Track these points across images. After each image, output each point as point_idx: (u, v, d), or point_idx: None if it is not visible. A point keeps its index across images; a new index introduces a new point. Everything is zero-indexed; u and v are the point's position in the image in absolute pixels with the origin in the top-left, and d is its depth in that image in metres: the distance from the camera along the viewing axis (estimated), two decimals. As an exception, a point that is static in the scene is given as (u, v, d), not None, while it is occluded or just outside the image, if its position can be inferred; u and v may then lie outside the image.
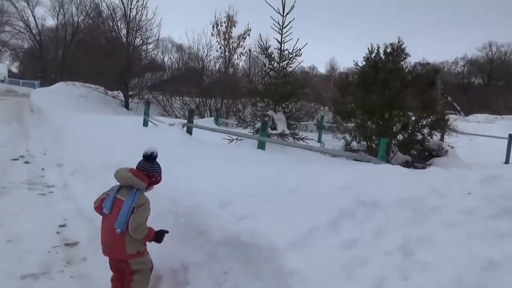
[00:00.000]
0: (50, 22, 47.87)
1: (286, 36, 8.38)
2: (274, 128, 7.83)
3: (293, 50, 8.33)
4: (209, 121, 12.15)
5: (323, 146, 8.99)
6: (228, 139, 8.06)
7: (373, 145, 8.74)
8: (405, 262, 2.38)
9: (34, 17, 44.84)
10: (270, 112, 8.10)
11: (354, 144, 9.50)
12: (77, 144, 7.85)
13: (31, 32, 44.64)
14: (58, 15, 43.48)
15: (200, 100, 19.20)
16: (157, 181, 3.00)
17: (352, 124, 9.59)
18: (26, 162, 7.56)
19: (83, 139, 7.96)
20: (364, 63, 9.38)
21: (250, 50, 22.77)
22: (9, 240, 3.92)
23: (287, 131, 7.95)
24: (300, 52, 8.30)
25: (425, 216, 2.69)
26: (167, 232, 2.94)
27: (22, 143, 9.73)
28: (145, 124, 9.77)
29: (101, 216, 2.89)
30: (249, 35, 22.00)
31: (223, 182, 3.81)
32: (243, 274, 2.77)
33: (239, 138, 7.95)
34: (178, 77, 22.23)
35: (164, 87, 20.70)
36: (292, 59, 8.37)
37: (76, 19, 41.45)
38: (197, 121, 10.33)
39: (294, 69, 8.68)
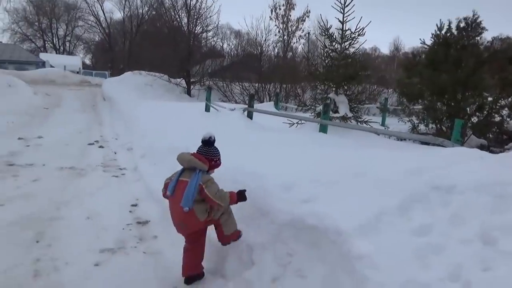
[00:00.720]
0: (118, 15, 50.88)
1: (348, 15, 8.04)
2: (336, 111, 7.62)
3: (355, 30, 7.98)
4: (269, 106, 12.15)
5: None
6: (289, 123, 8.00)
7: (444, 128, 8.20)
8: (485, 251, 2.20)
9: (103, 11, 47.79)
10: (331, 95, 7.89)
11: (422, 127, 8.99)
12: (144, 129, 8.28)
13: (101, 26, 47.66)
14: (124, 8, 45.89)
15: (259, 85, 19.27)
16: (217, 164, 3.09)
17: (420, 106, 9.06)
18: (101, 147, 8.13)
19: (150, 125, 8.38)
20: (432, 40, 8.76)
21: (309, 33, 22.32)
22: (89, 217, 4.25)
23: (349, 114, 7.70)
24: (363, 31, 7.92)
25: (508, 203, 2.46)
26: (245, 190, 3.09)
27: (96, 129, 10.48)
28: (207, 109, 10.03)
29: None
30: (308, 17, 21.58)
31: (286, 165, 3.79)
32: (308, 257, 2.75)
33: (299, 121, 7.86)
34: (237, 63, 22.43)
35: (224, 74, 21.04)
36: (354, 39, 8.03)
37: (140, 11, 43.44)
38: (256, 105, 10.38)
39: (356, 49, 8.32)
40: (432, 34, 8.70)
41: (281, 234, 2.99)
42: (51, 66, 33.24)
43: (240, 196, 3.04)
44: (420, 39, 8.77)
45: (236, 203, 3.05)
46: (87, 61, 52.06)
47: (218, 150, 3.10)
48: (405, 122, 9.41)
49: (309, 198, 3.06)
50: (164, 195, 3.05)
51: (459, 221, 2.46)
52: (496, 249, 2.19)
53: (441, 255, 2.26)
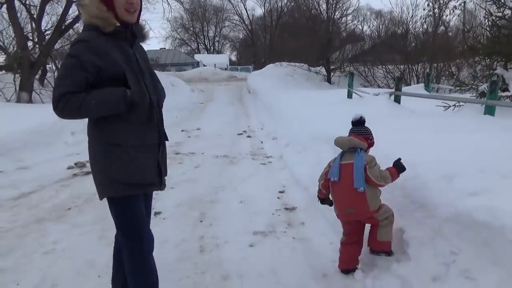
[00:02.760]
0: (259, 11, 53.68)
1: (522, -28, 6.69)
2: (506, 89, 6.46)
3: (532, -11, 6.58)
4: (418, 88, 11.11)
5: None
6: (444, 106, 7.14)
7: None
8: None
9: (246, 10, 51.14)
10: (499, 70, 6.71)
11: None
12: (288, 119, 8.53)
13: (244, 23, 51.11)
14: (264, 3, 48.06)
15: (404, 67, 17.81)
16: (372, 143, 3.00)
17: None
18: (248, 136, 8.71)
19: (293, 114, 8.58)
20: None
21: (465, 2, 19.50)
22: (241, 201, 4.58)
23: (524, 92, 6.44)
24: (544, -11, 6.48)
25: None
26: (400, 159, 2.92)
27: (244, 120, 11.29)
28: (350, 96, 9.74)
29: (328, 186, 2.98)
30: (464, -17, 18.82)
31: (446, 153, 3.38)
32: (477, 258, 2.39)
33: (457, 104, 6.93)
34: (380, 44, 21.15)
35: (365, 58, 20.13)
36: (531, 0, 6.64)
37: (279, 4, 44.83)
38: (404, 88, 9.59)
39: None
40: None
41: (442, 230, 2.67)
42: (204, 65, 37.26)
43: (399, 168, 2.86)
44: None
45: (398, 177, 2.87)
46: (233, 58, 56.59)
47: (369, 129, 3.01)
48: None
49: (477, 190, 2.65)
50: (324, 186, 3.02)
51: None
52: None
53: None
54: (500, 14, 7.05)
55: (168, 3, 17.48)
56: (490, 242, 2.34)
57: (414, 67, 17.73)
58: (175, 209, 4.33)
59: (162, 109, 2.27)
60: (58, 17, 14.52)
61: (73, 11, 15.35)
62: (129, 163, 2.01)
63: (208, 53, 52.61)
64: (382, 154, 3.40)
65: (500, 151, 3.25)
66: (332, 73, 20.18)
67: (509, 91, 6.44)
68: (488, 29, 7.60)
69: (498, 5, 6.99)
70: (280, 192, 4.95)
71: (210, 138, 8.38)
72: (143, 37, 2.18)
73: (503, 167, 2.87)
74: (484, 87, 6.30)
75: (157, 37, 68.33)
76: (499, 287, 2.19)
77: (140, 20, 2.13)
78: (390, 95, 7.61)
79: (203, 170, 5.91)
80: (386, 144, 3.81)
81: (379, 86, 17.09)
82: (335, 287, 2.84)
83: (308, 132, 6.49)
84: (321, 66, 20.58)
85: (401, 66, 17.96)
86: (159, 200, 4.60)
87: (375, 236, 2.87)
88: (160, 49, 47.63)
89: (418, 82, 16.17)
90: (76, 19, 15.62)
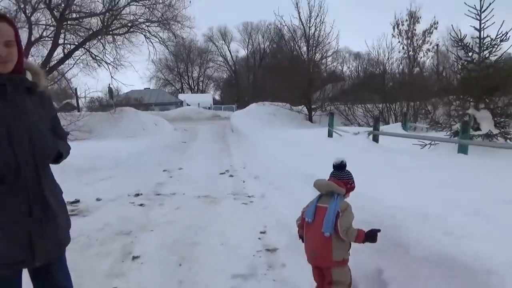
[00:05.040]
0: (242, 53, 55.27)
1: (486, 21, 7.15)
2: (477, 129, 6.72)
3: (496, 36, 7.03)
4: (396, 127, 11.44)
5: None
6: (420, 145, 7.35)
7: None
8: None
9: (230, 51, 52.54)
10: (470, 111, 7.02)
11: None
12: (270, 158, 8.60)
13: (228, 64, 52.43)
14: (247, 45, 49.76)
15: (383, 106, 18.40)
16: (352, 187, 3.00)
17: None
18: (231, 176, 8.69)
19: (275, 153, 8.67)
20: None
21: (437, 45, 20.58)
22: (222, 243, 4.51)
23: (494, 131, 6.70)
24: (507, 36, 6.93)
25: None
26: (379, 230, 2.80)
27: (226, 159, 11.30)
28: (330, 135, 9.94)
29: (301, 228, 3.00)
30: (436, 28, 19.92)
31: (421, 191, 3.45)
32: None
33: (432, 142, 7.16)
34: (359, 84, 21.90)
35: (345, 97, 20.74)
36: (496, 46, 7.07)
37: (262, 46, 46.42)
38: (382, 127, 9.86)
39: (499, 57, 7.27)
40: None
41: (419, 270, 2.69)
42: (188, 105, 37.64)
43: (369, 237, 2.75)
44: None
45: (363, 242, 2.78)
46: (217, 97, 57.43)
47: (351, 173, 3.03)
48: None
49: (454, 230, 2.71)
50: (300, 225, 3.03)
51: None
52: None
53: None
54: (468, 58, 7.47)
55: (154, 46, 17.74)
56: (468, 284, 2.35)
57: (392, 106, 18.33)
58: (154, 253, 4.22)
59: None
60: (43, 59, 14.67)
61: (58, 53, 15.55)
62: None
63: (192, 93, 53.37)
64: (357, 192, 3.46)
65: (474, 188, 3.34)
66: (313, 112, 20.64)
67: (481, 130, 6.70)
68: (458, 71, 8.01)
69: (465, 50, 7.42)
70: (261, 232, 4.90)
71: (192, 178, 8.34)
72: (34, 85, 1.89)
73: (476, 205, 2.94)
74: (457, 126, 6.55)
75: (141, 77, 69.34)
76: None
77: (32, 67, 1.95)
78: (369, 134, 7.82)
79: (184, 211, 5.83)
80: (361, 182, 3.88)
81: (359, 125, 17.53)
82: (316, 331, 2.77)
83: (289, 171, 6.55)
84: (302, 106, 21.07)
85: (380, 105, 18.55)
86: (138, 243, 4.50)
87: None
88: (145, 89, 48.09)
89: (396, 121, 16.67)
90: (61, 61, 15.80)
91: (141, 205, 6.20)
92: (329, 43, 22.17)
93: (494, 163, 4.90)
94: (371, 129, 8.19)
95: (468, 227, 2.65)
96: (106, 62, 16.48)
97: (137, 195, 6.83)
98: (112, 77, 16.66)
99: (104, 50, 16.36)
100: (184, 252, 4.23)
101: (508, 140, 6.73)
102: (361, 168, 4.63)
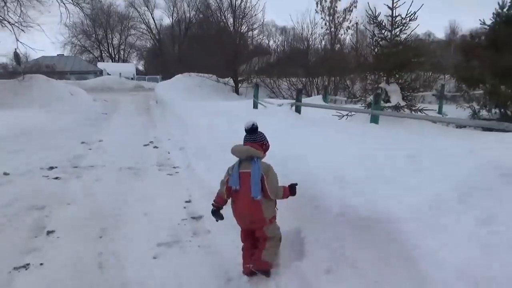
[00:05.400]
0: (167, 21, 52.77)
1: (398, 0, 7.68)
2: (388, 101, 7.33)
3: (406, 15, 7.59)
4: (317, 99, 11.98)
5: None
6: (338, 116, 7.82)
7: (509, 113, 7.59)
8: None
9: (153, 19, 49.81)
10: (382, 85, 7.59)
11: (484, 113, 8.39)
12: (195, 129, 8.51)
13: (151, 33, 49.74)
14: (172, 14, 47.53)
15: (306, 80, 19.06)
16: (267, 147, 3.16)
17: (480, 91, 8.46)
18: (155, 147, 8.47)
19: (200, 124, 8.59)
20: (493, 20, 8.15)
21: (357, 23, 21.65)
22: (146, 213, 4.44)
23: (402, 103, 7.36)
24: (415, 16, 7.51)
25: None
26: (296, 184, 3.08)
27: (150, 130, 10.95)
28: (255, 106, 10.09)
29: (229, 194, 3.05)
30: (355, 7, 20.92)
31: (336, 157, 3.71)
32: (362, 249, 2.67)
33: (349, 113, 7.66)
34: (284, 59, 22.33)
35: (270, 70, 21.06)
36: (405, 25, 7.64)
37: (188, 15, 44.72)
38: (305, 100, 10.27)
39: (408, 36, 7.90)
40: (493, 13, 8.10)
41: (333, 226, 2.93)
42: (108, 74, 35.33)
43: (292, 190, 3.06)
44: (480, 20, 8.17)
45: (287, 197, 3.05)
46: (140, 67, 54.59)
47: (263, 134, 3.17)
48: (464, 109, 8.83)
49: (361, 189, 2.98)
50: (227, 191, 3.02)
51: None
52: None
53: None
54: (382, 35, 8.00)
55: (66, 7, 15.95)
56: (371, 234, 2.64)
57: (314, 80, 19.07)
58: (71, 227, 4.02)
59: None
60: None
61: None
62: None
63: (112, 62, 49.98)
64: (279, 160, 3.63)
65: (379, 153, 3.66)
66: (240, 84, 20.68)
67: (391, 102, 7.31)
68: (373, 48, 8.55)
69: (379, 28, 7.92)
70: (186, 201, 4.91)
71: (113, 150, 7.96)
72: None
73: (381, 167, 3.24)
74: (370, 98, 7.06)
75: (53, 42, 62.93)
76: (379, 273, 2.47)
77: None
78: (292, 105, 8.09)
79: (104, 184, 5.59)
80: (283, 150, 4.06)
81: (284, 97, 18.00)
82: (240, 290, 2.91)
83: (214, 142, 6.57)
84: (229, 78, 20.98)
85: (303, 79, 19.18)
86: (53, 217, 4.25)
87: (259, 256, 2.96)
88: (58, 55, 43.87)
89: (318, 94, 17.42)
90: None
91: (56, 178, 5.81)
92: (255, 15, 22.13)
93: (399, 131, 5.40)
94: (294, 101, 8.48)
95: (378, 188, 2.91)
96: (9, 22, 14.57)
97: (52, 168, 6.36)
98: (17, 39, 14.85)
99: (5, 8, 14.38)
100: (104, 224, 4.09)
101: (413, 111, 7.45)
102: (283, 136, 4.82)
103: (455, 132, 6.58)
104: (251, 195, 2.82)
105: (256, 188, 2.82)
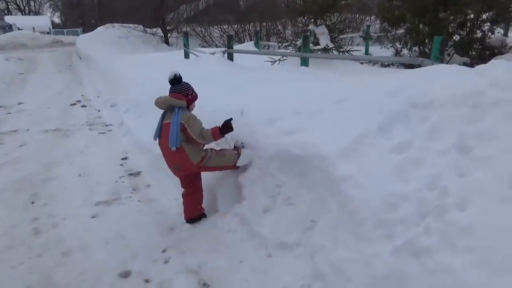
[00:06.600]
0: (81, -35, 47.17)
1: None
2: (317, 43, 7.48)
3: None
4: (249, 46, 11.84)
5: (370, 58, 8.49)
6: (271, 61, 7.86)
7: (427, 50, 8.13)
8: (461, 159, 2.29)
9: (64, -37, 44.49)
10: (310, 27, 7.69)
11: (405, 52, 8.91)
12: (125, 84, 8.10)
13: (64, -21, 44.64)
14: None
15: (238, 26, 18.65)
16: (194, 97, 3.10)
17: (402, 30, 8.92)
18: (83, 106, 8.00)
19: (130, 79, 8.18)
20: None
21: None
22: (80, 174, 4.29)
23: (330, 45, 7.56)
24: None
25: (484, 111, 2.52)
26: (231, 119, 3.00)
27: (76, 89, 10.23)
28: (187, 56, 9.78)
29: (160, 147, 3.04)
30: None
31: (269, 101, 3.79)
32: (296, 186, 2.85)
33: (281, 58, 7.73)
34: (213, 5, 21.47)
35: (200, 18, 20.22)
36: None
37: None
38: (237, 46, 10.11)
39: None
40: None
41: (268, 168, 3.06)
42: (19, 29, 31.60)
43: (225, 127, 2.96)
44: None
45: (222, 136, 3.03)
46: (56, 20, 49.49)
47: (188, 84, 3.10)
48: (388, 48, 9.31)
49: (293, 129, 3.12)
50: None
51: (437, 134, 2.52)
52: (471, 156, 2.28)
53: (420, 168, 2.34)
54: (309, -24, 7.96)
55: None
56: (303, 171, 2.82)
57: (246, 27, 18.73)
58: (-1, 196, 3.78)
59: None
60: None
61: None
62: None
63: (22, 15, 44.62)
64: (213, 108, 3.64)
65: (309, 94, 3.80)
66: (169, 34, 19.71)
67: (320, 45, 7.48)
68: (301, -10, 8.53)
69: (306, -32, 7.87)
70: (123, 159, 4.80)
71: (36, 113, 7.38)
72: None
73: (311, 108, 3.38)
74: (300, 42, 7.14)
75: None
76: (312, 206, 2.68)
77: None
78: (224, 53, 7.95)
79: (30, 148, 5.24)
80: (217, 98, 4.06)
81: (216, 46, 17.55)
82: (184, 237, 3.00)
83: (146, 95, 6.33)
84: (157, 28, 19.84)
85: (235, 26, 18.74)
86: (-25, 188, 3.95)
87: (187, 207, 3.09)
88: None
89: (251, 40, 17.21)
90: None
91: (-28, 147, 5.32)
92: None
93: (329, 73, 5.61)
94: (226, 48, 8.32)
95: (305, 127, 3.07)
96: None
97: (-35, 137, 5.79)
98: None
99: None
100: (36, 189, 3.91)
101: (340, 53, 7.71)
102: (216, 85, 4.78)
103: (380, 70, 6.97)
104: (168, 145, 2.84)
105: (172, 138, 2.81)
